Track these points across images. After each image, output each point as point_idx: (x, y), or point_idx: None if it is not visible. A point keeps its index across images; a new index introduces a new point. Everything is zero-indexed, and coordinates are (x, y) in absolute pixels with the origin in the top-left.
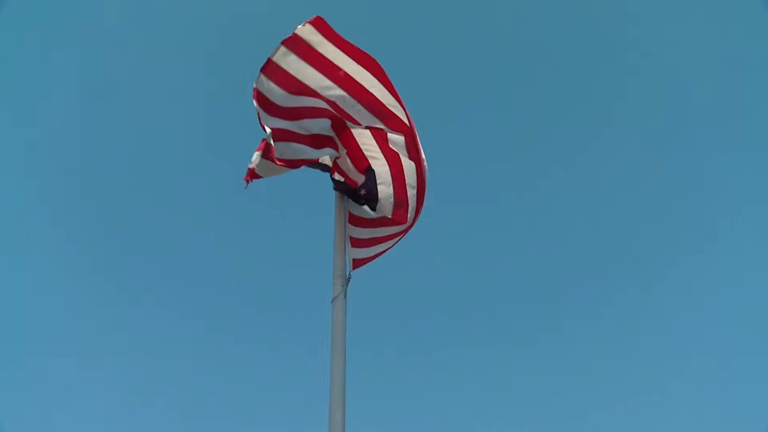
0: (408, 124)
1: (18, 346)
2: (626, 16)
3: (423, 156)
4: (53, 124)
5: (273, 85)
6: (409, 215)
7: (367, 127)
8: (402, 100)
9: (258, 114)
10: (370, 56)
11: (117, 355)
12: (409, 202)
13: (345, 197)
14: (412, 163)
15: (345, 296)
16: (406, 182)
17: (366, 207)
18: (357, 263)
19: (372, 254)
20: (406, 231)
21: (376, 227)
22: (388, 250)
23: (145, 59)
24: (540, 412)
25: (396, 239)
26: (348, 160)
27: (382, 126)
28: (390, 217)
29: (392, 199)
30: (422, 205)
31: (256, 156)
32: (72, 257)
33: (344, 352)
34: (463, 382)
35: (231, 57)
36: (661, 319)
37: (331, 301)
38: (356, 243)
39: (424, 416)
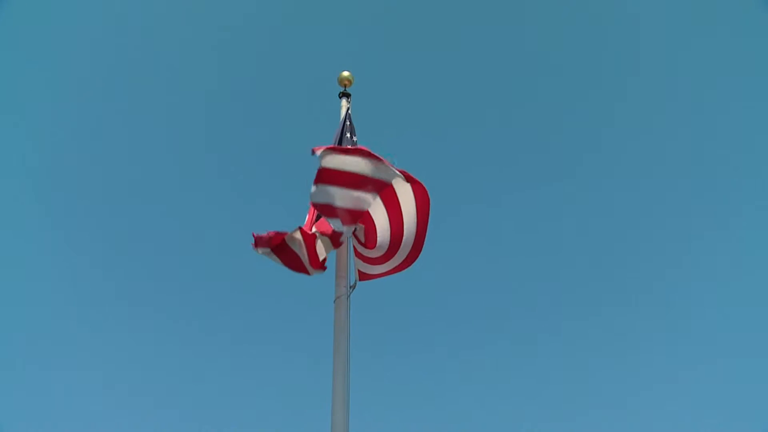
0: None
1: (17, 347)
2: (626, 16)
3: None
4: (53, 123)
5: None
6: (380, 238)
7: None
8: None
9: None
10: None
11: (117, 356)
12: (378, 226)
13: None
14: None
15: (348, 296)
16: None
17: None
18: (362, 276)
19: (374, 272)
20: (408, 260)
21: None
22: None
23: (145, 59)
24: (540, 412)
25: (393, 263)
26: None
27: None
28: (363, 241)
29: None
30: (401, 232)
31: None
32: (72, 258)
33: (347, 352)
34: (465, 383)
35: (231, 57)
36: (661, 320)
37: (334, 301)
38: (358, 255)
39: (425, 416)
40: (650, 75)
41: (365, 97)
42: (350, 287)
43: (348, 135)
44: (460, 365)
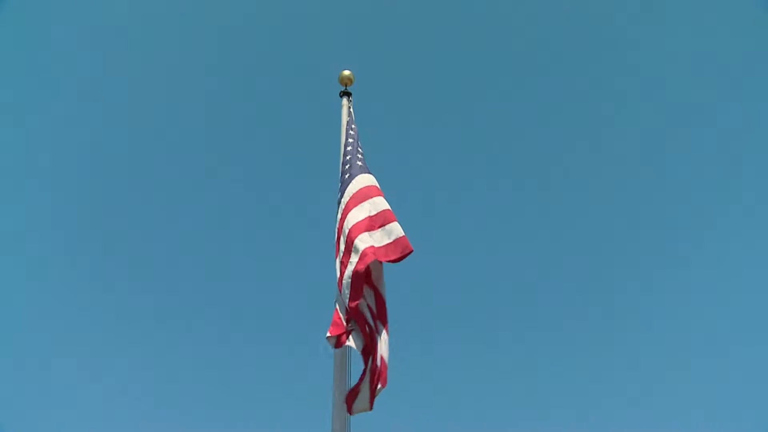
0: None
1: (18, 346)
2: (626, 16)
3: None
4: (53, 123)
5: None
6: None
7: None
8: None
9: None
10: None
11: (117, 355)
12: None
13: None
14: None
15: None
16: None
17: None
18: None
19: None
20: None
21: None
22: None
23: (146, 59)
24: (539, 412)
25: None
26: None
27: None
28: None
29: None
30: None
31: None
32: (72, 257)
33: (347, 352)
34: (464, 382)
35: (231, 56)
36: (662, 319)
37: (334, 301)
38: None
39: (424, 414)
40: (649, 74)
41: (366, 96)
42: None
43: (353, 137)
44: (458, 363)
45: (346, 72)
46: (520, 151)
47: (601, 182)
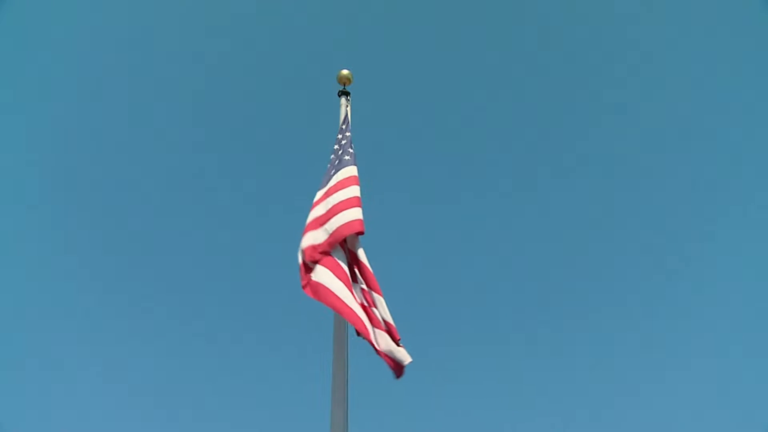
0: None
1: (18, 346)
2: (626, 16)
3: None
4: (53, 122)
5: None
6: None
7: None
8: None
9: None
10: None
11: (117, 355)
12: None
13: None
14: None
15: None
16: None
17: None
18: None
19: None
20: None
21: None
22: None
23: (144, 58)
24: (538, 412)
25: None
26: None
27: None
28: None
29: None
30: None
31: None
32: (73, 257)
33: (346, 350)
34: (464, 381)
35: (230, 55)
36: (662, 319)
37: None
38: None
39: (424, 414)
40: (649, 75)
41: (365, 96)
42: None
43: (340, 137)
44: (459, 363)
45: (345, 71)
46: (519, 151)
47: (601, 182)
